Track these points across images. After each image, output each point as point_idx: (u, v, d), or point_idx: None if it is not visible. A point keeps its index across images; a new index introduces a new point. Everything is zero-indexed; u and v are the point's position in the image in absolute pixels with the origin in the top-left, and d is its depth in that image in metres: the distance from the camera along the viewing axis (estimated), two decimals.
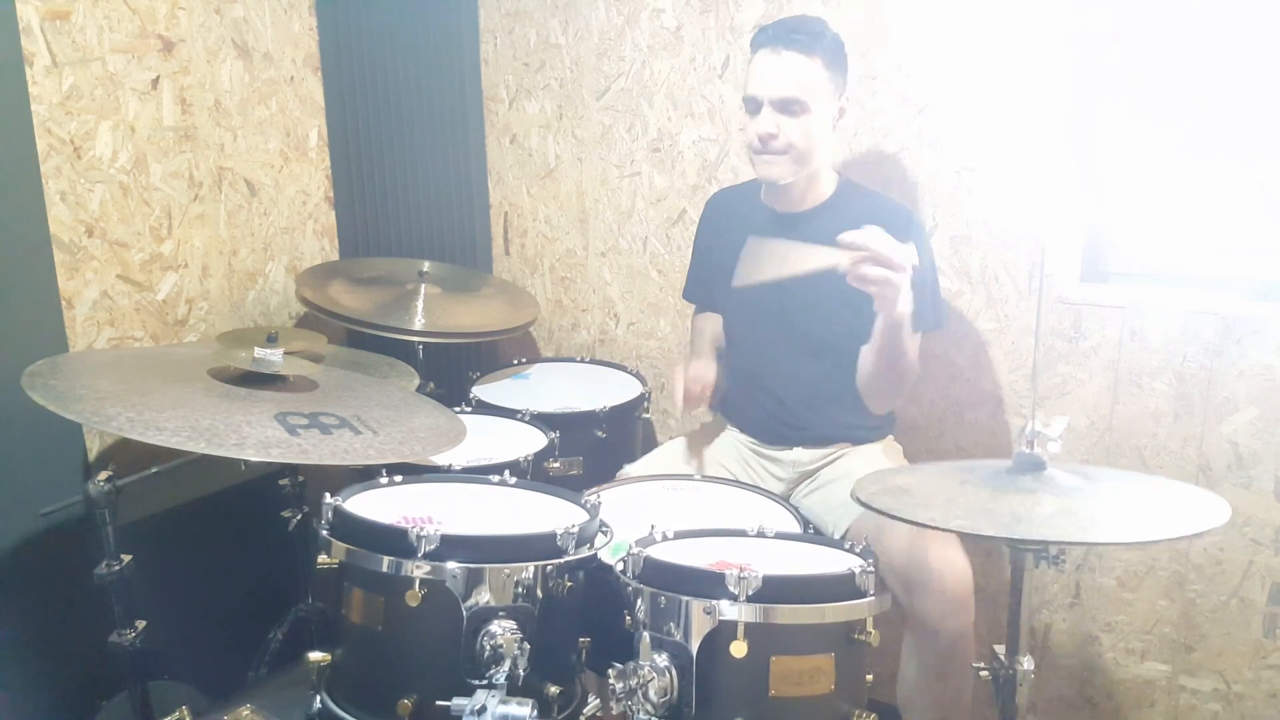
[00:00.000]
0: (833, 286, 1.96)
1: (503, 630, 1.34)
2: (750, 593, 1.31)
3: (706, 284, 2.27)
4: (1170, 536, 1.27)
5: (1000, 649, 1.42)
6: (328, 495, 1.48)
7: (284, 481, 2.02)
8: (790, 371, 2.03)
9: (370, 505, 1.54)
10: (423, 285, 2.38)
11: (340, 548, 1.41)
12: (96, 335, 2.00)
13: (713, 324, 2.30)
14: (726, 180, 2.47)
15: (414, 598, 1.33)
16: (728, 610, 1.31)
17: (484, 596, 1.36)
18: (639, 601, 1.40)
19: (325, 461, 1.45)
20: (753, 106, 1.87)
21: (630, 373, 2.55)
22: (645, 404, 2.41)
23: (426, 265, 2.46)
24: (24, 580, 1.81)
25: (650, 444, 2.47)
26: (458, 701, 1.30)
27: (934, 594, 1.67)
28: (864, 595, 1.37)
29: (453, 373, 2.61)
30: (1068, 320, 2.15)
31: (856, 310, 1.97)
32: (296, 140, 2.43)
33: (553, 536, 1.42)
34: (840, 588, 1.37)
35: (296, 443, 1.46)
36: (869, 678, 1.41)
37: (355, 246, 2.58)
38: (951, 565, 1.68)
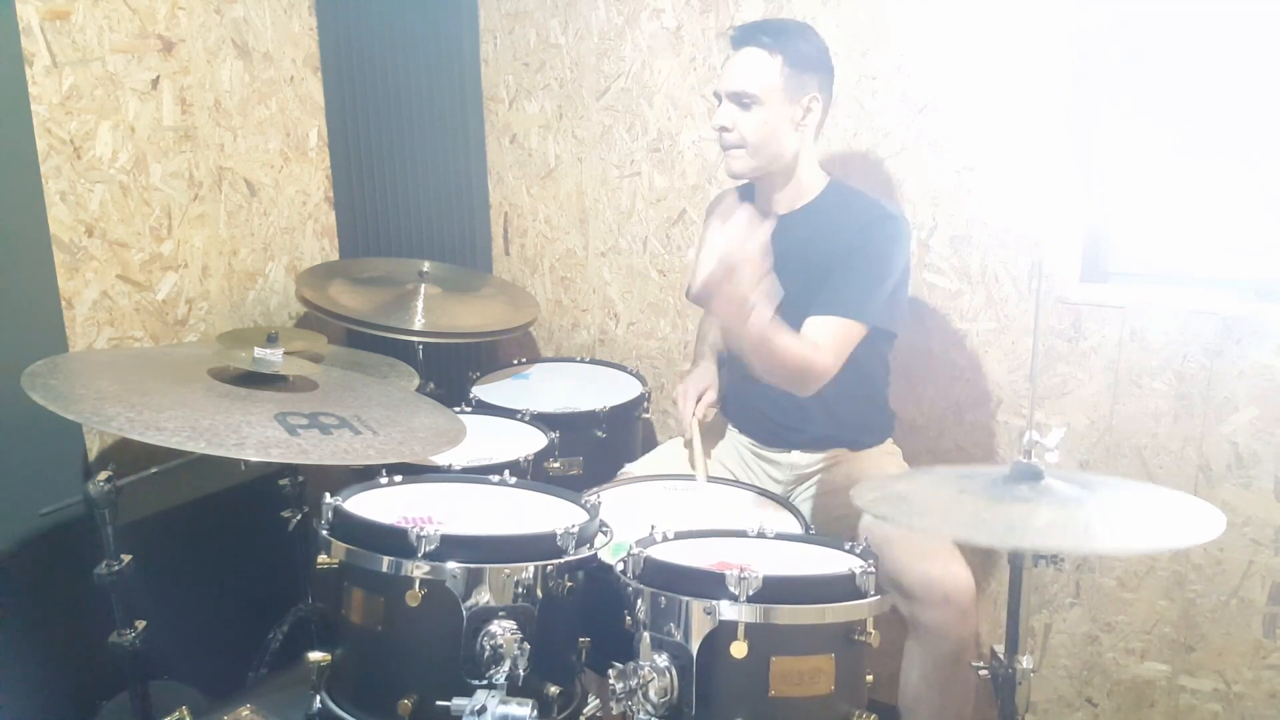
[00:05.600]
0: (815, 291, 1.98)
1: (503, 630, 1.34)
2: (750, 593, 1.31)
3: None
4: (1164, 548, 1.27)
5: (1000, 648, 1.42)
6: (328, 495, 1.48)
7: (284, 481, 2.02)
8: None
9: (370, 505, 1.54)
10: (423, 285, 2.38)
11: (340, 548, 1.41)
12: (96, 335, 2.00)
13: (716, 329, 2.30)
14: (726, 180, 2.46)
15: (414, 598, 1.33)
16: (728, 610, 1.31)
17: (484, 596, 1.36)
18: (639, 601, 1.40)
19: (325, 461, 1.45)
20: (718, 101, 1.93)
21: (630, 373, 2.55)
22: (645, 404, 2.41)
23: (426, 265, 2.46)
24: (24, 580, 1.81)
25: (650, 444, 2.46)
26: (458, 701, 1.30)
27: (938, 605, 1.70)
28: (864, 595, 1.37)
29: (453, 373, 2.61)
30: (1068, 320, 2.15)
31: None
32: (296, 140, 2.43)
33: (553, 536, 1.42)
34: (840, 588, 1.37)
35: (296, 443, 1.46)
36: (869, 678, 1.41)
37: (355, 246, 2.58)
38: (955, 576, 1.70)
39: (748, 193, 2.10)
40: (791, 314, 2.00)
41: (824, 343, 1.80)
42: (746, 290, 1.53)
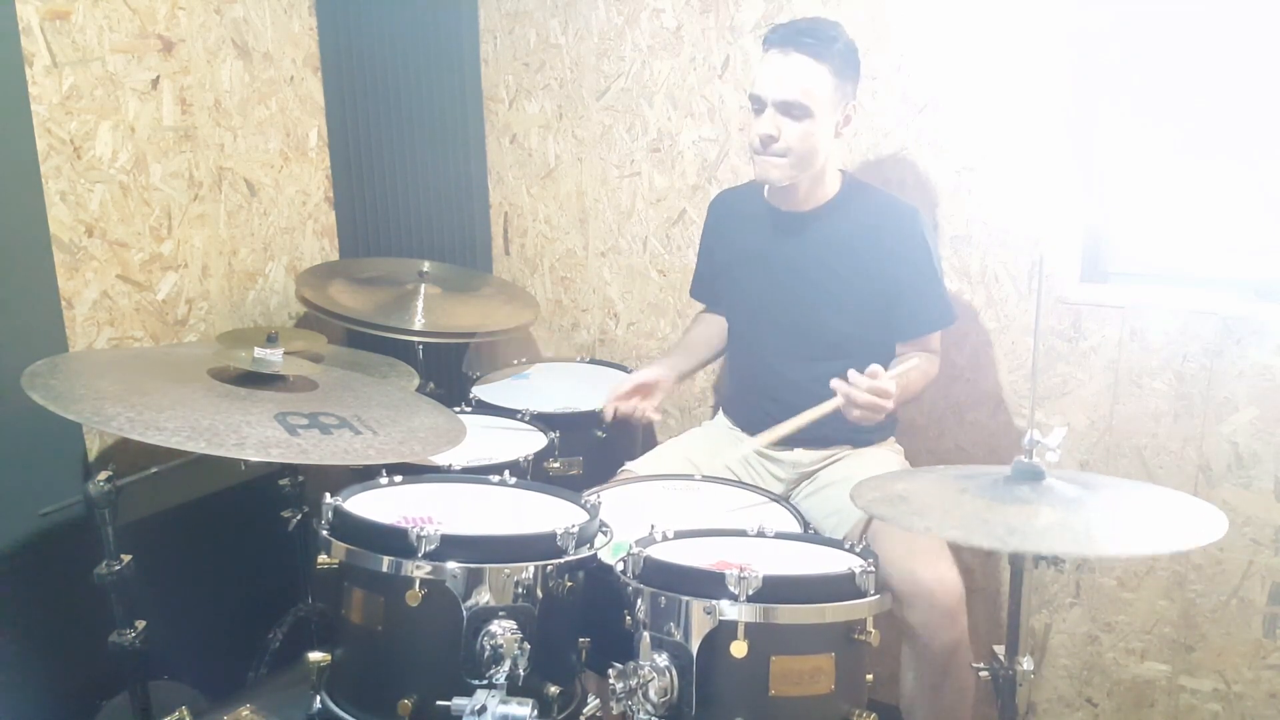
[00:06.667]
0: (835, 289, 1.98)
1: (503, 630, 1.34)
2: (750, 593, 1.31)
3: (711, 284, 2.27)
4: (1165, 550, 1.27)
5: (1000, 649, 1.42)
6: (328, 495, 1.48)
7: (284, 481, 2.02)
8: (790, 373, 2.03)
9: (370, 505, 1.54)
10: (423, 285, 2.38)
11: (340, 548, 1.41)
12: (96, 335, 2.00)
13: (705, 328, 2.28)
14: (727, 180, 2.47)
15: (414, 598, 1.33)
16: (728, 610, 1.31)
17: (484, 596, 1.36)
18: (639, 601, 1.40)
19: (325, 461, 1.45)
20: (757, 105, 1.87)
21: (630, 373, 2.54)
22: None
23: (426, 265, 2.46)
24: (24, 580, 1.81)
25: (650, 444, 2.46)
26: (458, 701, 1.30)
27: (923, 607, 1.69)
28: (864, 595, 1.37)
29: (453, 373, 2.61)
30: (1068, 320, 2.15)
31: (858, 313, 1.97)
32: (296, 140, 2.43)
33: (553, 536, 1.42)
34: (840, 587, 1.37)
35: (296, 443, 1.46)
36: (869, 677, 1.41)
37: (355, 246, 2.58)
38: (941, 578, 1.69)
39: (755, 190, 2.08)
40: (810, 308, 2.00)
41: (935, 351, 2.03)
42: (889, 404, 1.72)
